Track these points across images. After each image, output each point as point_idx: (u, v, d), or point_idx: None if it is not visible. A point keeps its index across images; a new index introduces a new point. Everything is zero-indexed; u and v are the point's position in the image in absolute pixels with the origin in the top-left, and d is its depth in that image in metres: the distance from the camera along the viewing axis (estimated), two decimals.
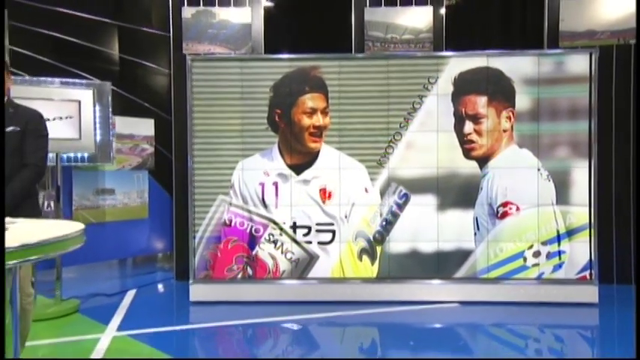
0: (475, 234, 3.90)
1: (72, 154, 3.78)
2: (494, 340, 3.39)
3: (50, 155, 3.25)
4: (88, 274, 4.60)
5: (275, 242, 3.93)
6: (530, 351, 3.16)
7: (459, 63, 3.88)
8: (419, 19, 4.56)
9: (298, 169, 3.94)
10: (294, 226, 3.93)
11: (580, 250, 3.84)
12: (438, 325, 3.54)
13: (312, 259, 3.94)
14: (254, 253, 3.94)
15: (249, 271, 3.94)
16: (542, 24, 4.53)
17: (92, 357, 2.83)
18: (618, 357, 2.92)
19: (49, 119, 2.96)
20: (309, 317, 3.63)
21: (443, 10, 4.60)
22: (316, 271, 3.94)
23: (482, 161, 3.89)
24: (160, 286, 4.60)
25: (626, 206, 4.37)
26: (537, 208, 3.86)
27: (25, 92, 3.33)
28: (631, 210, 4.35)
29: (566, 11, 4.44)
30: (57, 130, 3.28)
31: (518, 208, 3.86)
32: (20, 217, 2.24)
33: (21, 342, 2.26)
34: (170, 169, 4.74)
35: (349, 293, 3.92)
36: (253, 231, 3.94)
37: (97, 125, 3.81)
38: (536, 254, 3.86)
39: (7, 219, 1.97)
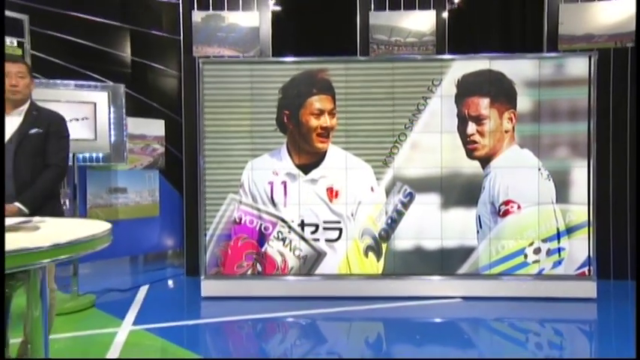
0: (477, 231, 3.92)
1: (87, 154, 3.81)
2: (496, 334, 3.40)
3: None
4: (101, 270, 4.62)
5: (284, 240, 3.96)
6: (530, 344, 3.18)
7: (462, 66, 3.89)
8: (422, 22, 4.59)
9: (306, 168, 3.96)
10: (302, 224, 3.95)
11: (579, 247, 3.87)
12: (441, 320, 3.55)
13: (319, 256, 3.97)
14: (263, 250, 3.96)
15: (259, 267, 3.97)
16: (541, 27, 4.56)
17: (111, 350, 2.87)
18: (616, 354, 2.92)
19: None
20: (316, 312, 3.64)
21: (445, 14, 4.62)
22: (324, 267, 3.96)
23: (485, 161, 3.90)
24: (172, 282, 4.63)
25: (622, 204, 4.40)
26: (538, 206, 3.87)
27: (43, 94, 3.37)
28: (627, 208, 4.39)
29: (565, 15, 4.46)
30: (73, 131, 3.29)
31: (519, 207, 3.88)
32: (44, 216, 2.28)
33: None
34: (180, 169, 4.77)
35: (356, 289, 3.94)
36: (262, 229, 3.97)
37: (112, 126, 3.84)
38: (537, 251, 3.88)
39: (36, 218, 2.01)
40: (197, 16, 4.57)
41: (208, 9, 4.59)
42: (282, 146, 3.97)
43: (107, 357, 2.76)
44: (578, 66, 3.87)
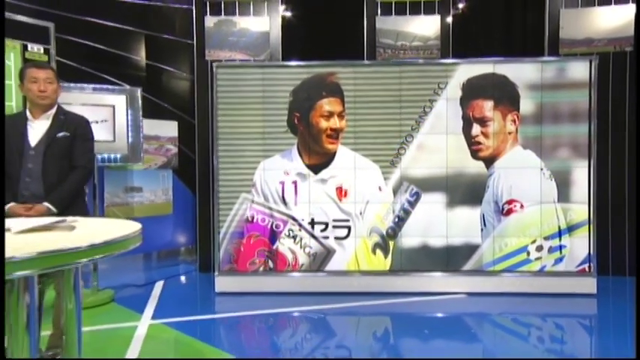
0: (482, 230, 3.94)
1: (106, 155, 3.86)
2: (499, 328, 3.42)
3: None
4: (118, 266, 4.66)
5: (294, 237, 4.00)
6: (533, 338, 3.20)
7: (467, 69, 3.91)
8: (427, 27, 4.62)
9: (316, 168, 3.99)
10: (312, 222, 3.98)
11: (580, 245, 3.89)
12: (447, 315, 3.57)
13: (329, 253, 4.00)
14: (275, 247, 4.00)
15: (270, 264, 4.00)
16: (543, 31, 4.58)
17: (133, 342, 2.92)
18: (616, 348, 2.95)
19: None
20: (326, 307, 3.68)
21: (450, 19, 4.66)
22: (333, 264, 3.99)
23: (489, 161, 3.92)
24: (186, 278, 4.67)
25: (621, 203, 4.43)
26: (540, 205, 3.90)
27: (65, 98, 3.41)
28: (626, 207, 4.43)
29: (566, 20, 4.49)
30: (94, 133, 3.37)
31: (522, 206, 3.91)
32: (71, 215, 2.34)
33: None
34: (192, 168, 4.82)
35: (364, 285, 3.97)
36: (274, 227, 4.01)
37: (129, 128, 3.89)
38: (539, 248, 3.91)
39: (70, 218, 2.07)
40: (209, 21, 4.61)
41: (220, 14, 4.63)
42: (292, 147, 4.00)
43: (129, 350, 2.82)
44: (579, 70, 3.89)
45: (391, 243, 3.99)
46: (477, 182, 3.94)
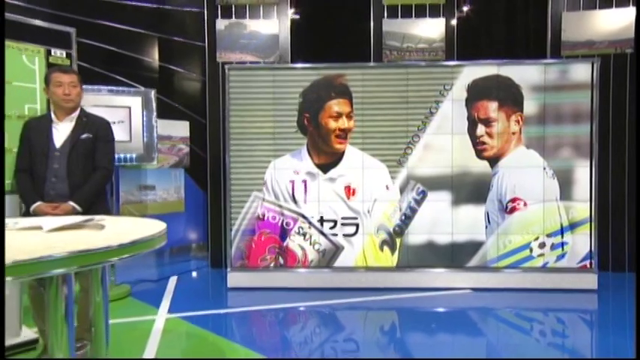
0: (486, 227, 3.96)
1: (122, 155, 3.91)
2: (503, 322, 3.44)
3: None
4: (133, 262, 4.69)
5: (304, 234, 4.03)
6: (535, 332, 3.22)
7: (472, 71, 3.94)
8: (432, 29, 4.65)
9: (325, 168, 4.02)
10: (322, 220, 4.02)
11: (581, 242, 3.92)
12: (452, 309, 3.60)
13: (337, 249, 4.04)
14: (285, 244, 4.04)
15: (281, 260, 4.04)
16: (545, 34, 4.61)
17: (152, 336, 2.97)
18: (616, 342, 2.97)
19: None
20: (335, 302, 3.71)
21: (454, 22, 4.69)
22: (341, 260, 4.02)
23: (493, 161, 3.95)
24: (198, 274, 4.72)
25: (621, 202, 4.47)
26: (543, 203, 3.92)
27: (83, 100, 3.46)
28: (625, 205, 4.46)
29: (568, 22, 4.52)
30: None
31: (525, 204, 3.93)
32: (94, 213, 2.39)
33: None
34: (203, 167, 4.87)
35: (371, 280, 4.00)
36: (284, 224, 4.04)
37: (144, 128, 3.94)
38: (542, 245, 3.94)
39: (97, 217, 2.12)
40: (221, 24, 4.65)
41: (231, 17, 4.67)
42: (302, 147, 4.03)
43: (149, 342, 2.86)
44: (581, 72, 3.92)
45: (398, 240, 4.02)
46: (481, 181, 3.96)
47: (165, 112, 4.82)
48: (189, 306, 3.61)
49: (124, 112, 3.75)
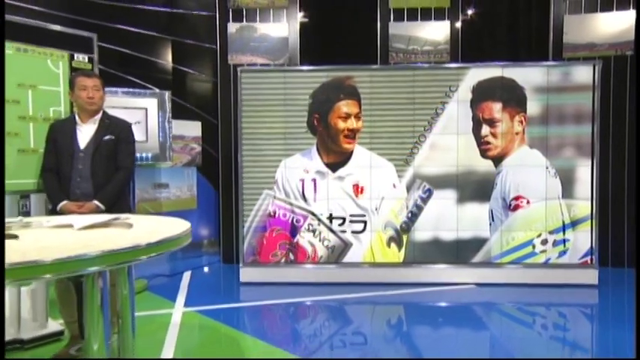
0: (490, 224, 3.99)
1: (138, 155, 3.96)
2: (506, 316, 3.48)
3: None
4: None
5: (314, 231, 4.07)
6: (537, 325, 3.25)
7: (477, 73, 3.96)
8: (437, 32, 4.69)
9: (334, 167, 4.05)
10: (331, 217, 4.05)
11: (582, 239, 3.95)
12: (457, 304, 3.63)
13: (346, 246, 4.07)
14: (295, 240, 4.08)
15: (291, 256, 4.08)
16: (547, 36, 4.63)
17: (170, 328, 3.03)
18: (616, 335, 3.00)
19: None
20: (344, 297, 3.75)
21: (459, 24, 4.71)
22: (350, 256, 4.06)
23: (497, 160, 3.97)
24: (211, 269, 4.78)
25: (620, 199, 4.50)
26: (545, 201, 3.95)
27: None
28: (625, 202, 4.49)
29: (570, 25, 4.55)
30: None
31: (528, 202, 3.96)
32: (117, 212, 2.44)
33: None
34: (215, 166, 4.92)
35: (379, 276, 4.04)
36: (294, 221, 4.08)
37: (160, 129, 3.99)
38: (544, 242, 3.97)
39: (123, 215, 2.18)
40: (232, 27, 4.70)
41: (242, 21, 4.72)
42: (312, 147, 4.07)
43: (168, 335, 2.92)
44: (583, 74, 3.94)
45: (405, 237, 4.05)
46: (485, 180, 3.99)
47: (178, 112, 4.86)
48: (204, 300, 3.66)
49: (141, 113, 3.80)
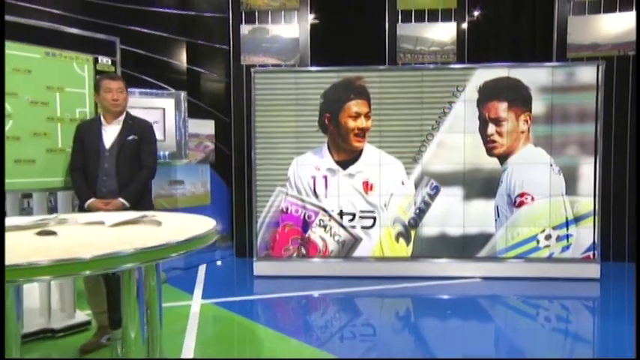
0: (495, 220, 4.03)
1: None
2: (511, 309, 3.52)
3: None
4: None
5: (325, 226, 4.12)
6: (541, 317, 3.30)
7: (483, 73, 3.98)
8: (444, 33, 4.71)
9: (344, 164, 4.10)
10: (341, 213, 4.10)
11: (585, 234, 3.98)
12: (463, 297, 3.67)
13: (356, 241, 4.12)
14: (307, 235, 4.13)
15: (303, 250, 4.14)
16: (551, 37, 4.65)
17: (190, 319, 3.10)
18: (616, 328, 3.03)
19: None
20: (354, 290, 3.80)
21: (465, 25, 4.73)
22: (360, 251, 4.11)
23: (503, 158, 4.01)
24: (225, 262, 4.84)
25: (622, 195, 4.53)
26: (549, 198, 3.98)
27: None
28: (626, 198, 4.53)
29: (573, 26, 4.56)
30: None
31: (532, 198, 3.99)
32: (141, 209, 2.51)
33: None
34: (227, 163, 4.98)
35: (388, 270, 4.09)
36: (306, 217, 4.14)
37: (177, 128, 4.06)
38: (548, 237, 4.00)
39: (150, 212, 2.24)
40: (244, 29, 4.74)
41: (254, 22, 4.76)
42: (323, 145, 4.11)
43: (189, 325, 2.99)
44: (587, 74, 3.96)
45: (413, 232, 4.10)
46: (491, 177, 4.03)
47: (193, 111, 4.93)
48: (220, 292, 3.74)
49: (159, 113, 3.87)
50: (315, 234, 4.13)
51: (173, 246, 1.60)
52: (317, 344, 2.77)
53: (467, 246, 4.08)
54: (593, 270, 3.99)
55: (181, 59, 4.99)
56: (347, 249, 4.13)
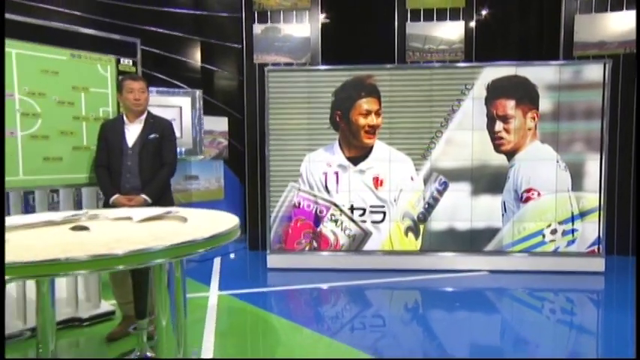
0: (502, 215, 4.06)
1: None
2: (518, 301, 3.54)
3: None
4: None
5: (336, 221, 4.17)
6: (546, 310, 3.32)
7: (491, 72, 4.00)
8: (452, 32, 4.72)
9: (355, 161, 4.14)
10: (352, 208, 4.15)
11: (590, 229, 4.01)
12: (471, 289, 3.70)
13: (366, 235, 4.17)
14: (319, 229, 4.18)
15: (315, 244, 4.19)
16: (558, 35, 4.65)
17: (209, 310, 3.17)
18: (618, 321, 3.05)
19: None
20: (364, 282, 3.85)
21: (473, 24, 4.74)
22: (370, 245, 4.16)
23: (510, 155, 4.03)
24: (238, 255, 4.91)
25: (626, 191, 4.54)
26: (555, 193, 4.00)
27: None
28: (630, 194, 4.54)
29: (580, 24, 4.55)
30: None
31: (539, 194, 4.01)
32: (163, 204, 2.58)
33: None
34: (240, 159, 5.04)
35: (397, 263, 4.14)
36: (318, 212, 4.19)
37: (193, 125, 4.12)
38: (554, 232, 4.03)
39: (174, 209, 2.31)
40: (257, 28, 4.78)
41: (267, 22, 4.80)
42: (334, 142, 4.15)
43: (207, 316, 3.06)
44: (593, 72, 3.96)
45: (421, 226, 4.14)
46: (498, 173, 4.05)
47: (207, 108, 4.99)
48: (236, 284, 3.80)
49: (176, 111, 3.93)
50: (327, 228, 4.18)
51: (200, 242, 1.66)
52: (329, 334, 2.83)
53: (474, 240, 4.11)
54: (598, 264, 4.02)
55: (196, 58, 5.04)
56: (357, 243, 4.18)
